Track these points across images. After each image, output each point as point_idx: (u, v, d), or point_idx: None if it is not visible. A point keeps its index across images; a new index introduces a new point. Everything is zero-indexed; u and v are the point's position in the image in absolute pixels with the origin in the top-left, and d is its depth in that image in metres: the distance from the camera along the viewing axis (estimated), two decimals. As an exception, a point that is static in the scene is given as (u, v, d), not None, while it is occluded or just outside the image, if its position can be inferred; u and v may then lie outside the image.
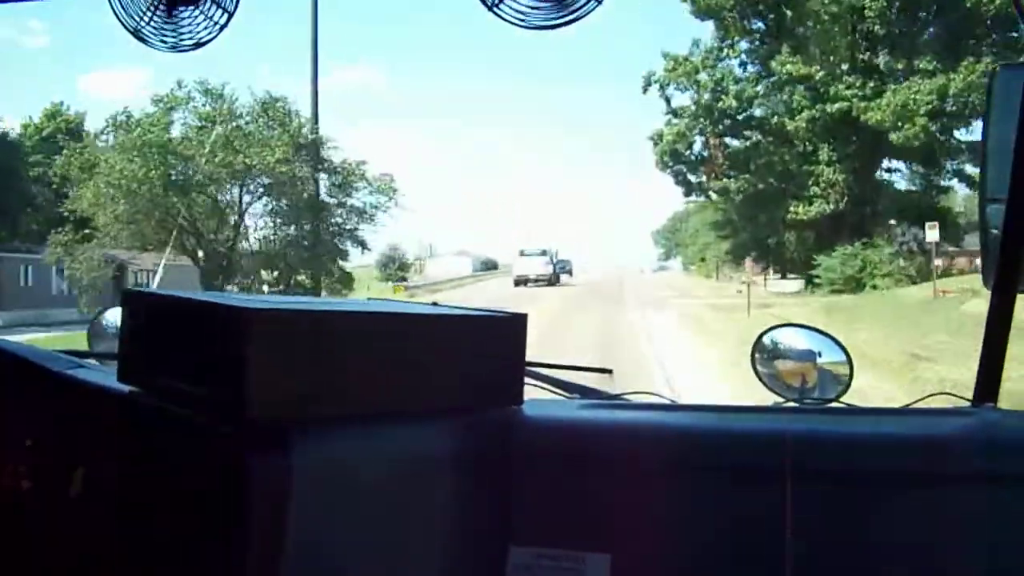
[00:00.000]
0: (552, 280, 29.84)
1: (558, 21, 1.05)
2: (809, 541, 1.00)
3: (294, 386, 0.87)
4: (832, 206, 24.19)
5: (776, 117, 24.72)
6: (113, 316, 1.40)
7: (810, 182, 24.48)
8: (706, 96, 24.90)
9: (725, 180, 25.56)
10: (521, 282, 29.36)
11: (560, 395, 1.30)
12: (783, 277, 26.77)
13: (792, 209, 24.58)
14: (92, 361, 1.21)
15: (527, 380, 1.13)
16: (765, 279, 27.09)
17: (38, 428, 1.07)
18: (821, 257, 23.03)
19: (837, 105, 22.92)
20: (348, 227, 20.64)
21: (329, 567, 0.88)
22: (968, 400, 1.16)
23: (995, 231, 1.15)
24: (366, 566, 0.92)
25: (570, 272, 44.37)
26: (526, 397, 1.11)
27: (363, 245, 21.04)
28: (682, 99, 25.87)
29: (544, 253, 31.64)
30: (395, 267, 38.70)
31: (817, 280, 22.87)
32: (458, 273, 43.08)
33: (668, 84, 25.51)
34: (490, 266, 56.72)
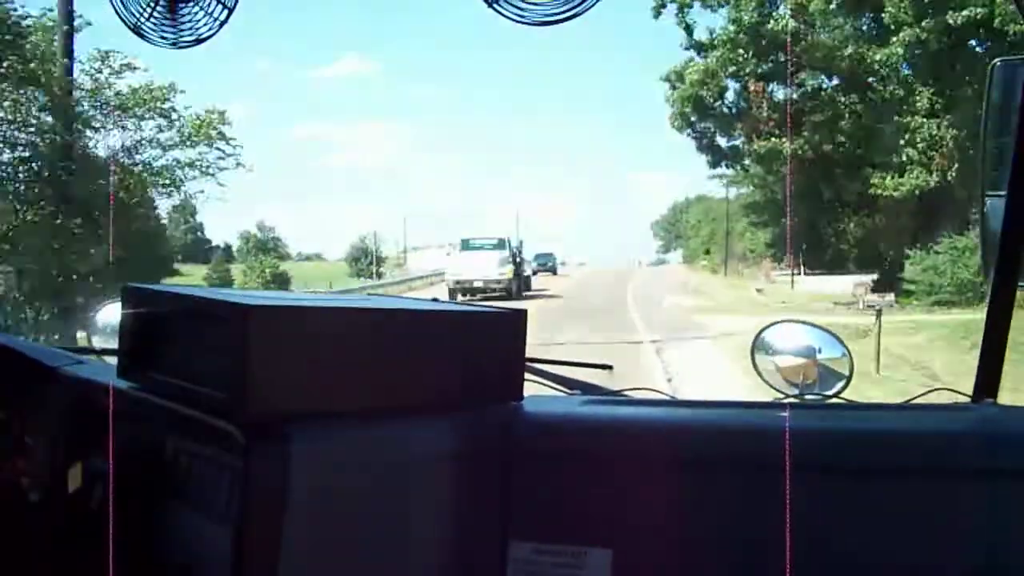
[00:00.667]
0: (511, 289, 27.22)
1: (559, 16, 1.48)
2: (809, 536, 1.46)
3: (294, 382, 1.32)
4: (936, 176, 23.49)
5: (851, 46, 24.03)
6: (113, 312, 1.91)
7: (901, 142, 23.83)
8: (750, 14, 24.18)
9: (773, 141, 24.78)
10: (462, 291, 26.45)
11: (560, 391, 1.85)
12: (804, 272, 25.34)
13: (874, 182, 23.91)
14: (92, 357, 1.73)
15: (527, 376, 1.65)
16: (793, 277, 27.27)
17: (37, 424, 1.58)
18: (916, 253, 22.47)
19: (965, 13, 21.79)
20: (133, 200, 16.19)
21: (328, 561, 1.32)
22: (967, 396, 1.71)
23: (995, 226, 1.71)
24: (365, 561, 1.37)
25: (554, 270, 42.44)
26: (526, 393, 1.62)
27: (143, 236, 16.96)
28: (713, 20, 25.30)
29: (501, 245, 28.80)
30: (367, 261, 41.54)
31: (909, 287, 22.17)
32: (442, 267, 44.32)
33: (691, 2, 24.65)
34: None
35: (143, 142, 17.44)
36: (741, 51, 24.98)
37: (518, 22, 1.50)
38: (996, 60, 1.75)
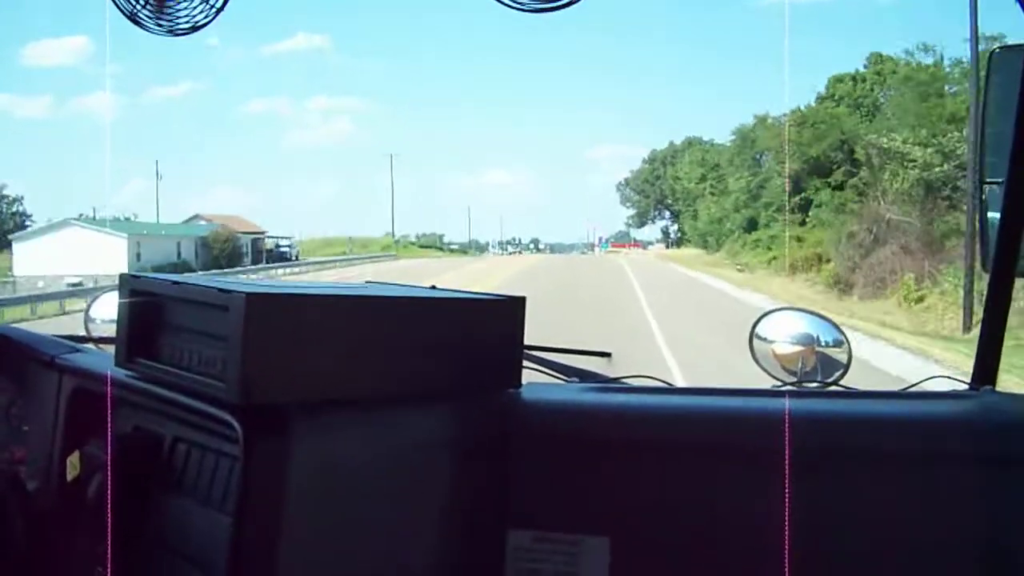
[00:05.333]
0: None
1: (557, 3, 1.53)
2: (808, 522, 1.48)
3: (292, 370, 1.32)
4: None
5: None
6: (110, 300, 1.90)
7: None
8: None
9: None
10: None
11: (558, 378, 1.85)
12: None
13: None
14: (90, 346, 1.71)
15: (525, 364, 1.65)
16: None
17: (36, 413, 1.57)
18: None
19: None
20: None
21: (327, 550, 1.33)
22: (967, 383, 1.71)
23: (994, 214, 1.70)
24: (364, 549, 1.39)
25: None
26: (524, 381, 1.62)
27: None
28: None
29: None
30: None
31: None
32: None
33: None
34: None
35: None
36: None
37: (518, 9, 1.51)
38: (996, 47, 1.74)
